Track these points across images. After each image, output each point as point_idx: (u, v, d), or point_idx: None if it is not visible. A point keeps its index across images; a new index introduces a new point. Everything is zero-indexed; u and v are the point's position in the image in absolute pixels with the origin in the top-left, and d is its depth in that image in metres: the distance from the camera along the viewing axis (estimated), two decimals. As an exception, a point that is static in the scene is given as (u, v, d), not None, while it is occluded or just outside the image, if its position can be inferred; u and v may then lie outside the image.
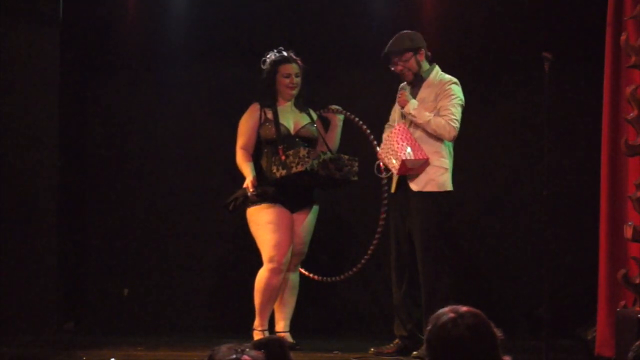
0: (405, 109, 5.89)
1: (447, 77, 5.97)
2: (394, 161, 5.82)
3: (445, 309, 2.55)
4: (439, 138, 5.84)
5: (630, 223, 5.53)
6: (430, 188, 5.83)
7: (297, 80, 6.15)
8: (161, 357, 5.93)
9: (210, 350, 2.56)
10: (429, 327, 2.55)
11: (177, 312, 7.32)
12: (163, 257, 7.34)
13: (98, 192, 7.38)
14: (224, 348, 2.53)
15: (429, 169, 5.83)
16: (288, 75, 6.14)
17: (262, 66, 6.16)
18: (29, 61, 6.83)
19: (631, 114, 5.53)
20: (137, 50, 7.41)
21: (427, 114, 5.83)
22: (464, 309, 2.53)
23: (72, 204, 7.22)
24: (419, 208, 5.83)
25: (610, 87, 5.92)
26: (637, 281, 5.47)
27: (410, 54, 5.93)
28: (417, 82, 5.97)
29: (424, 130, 5.84)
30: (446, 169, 5.88)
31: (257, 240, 6.07)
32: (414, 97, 5.94)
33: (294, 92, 6.16)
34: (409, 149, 5.79)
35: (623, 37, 5.59)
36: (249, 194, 5.97)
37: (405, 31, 6.02)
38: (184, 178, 7.34)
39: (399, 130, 5.88)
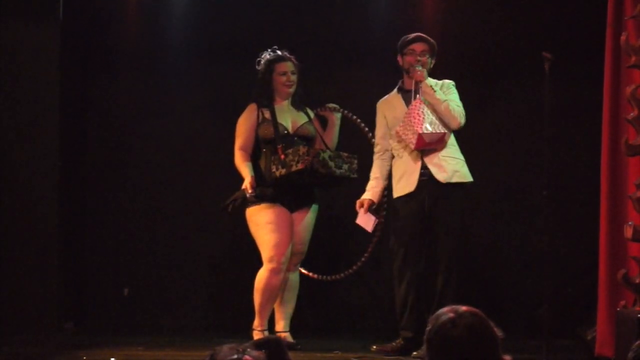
0: (427, 82, 5.90)
1: (447, 80, 6.04)
2: (410, 135, 5.82)
3: (445, 309, 2.55)
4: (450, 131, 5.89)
5: (630, 223, 5.52)
6: (457, 179, 5.89)
7: (293, 77, 6.15)
8: (161, 357, 5.93)
9: (211, 350, 2.56)
10: (428, 327, 2.55)
11: (177, 312, 7.32)
12: (163, 257, 7.34)
13: (98, 192, 7.38)
14: (225, 348, 2.53)
15: (450, 160, 5.88)
16: (284, 73, 6.14)
17: (257, 67, 6.17)
18: (29, 61, 6.82)
19: (631, 114, 5.53)
20: (137, 50, 7.41)
21: (443, 95, 5.88)
22: (463, 308, 2.53)
23: (72, 203, 7.21)
24: (450, 199, 5.87)
25: (610, 87, 5.91)
26: (637, 281, 5.47)
27: (432, 53, 6.00)
28: (417, 86, 5.98)
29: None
30: (464, 160, 5.97)
31: (256, 240, 6.07)
32: (408, 102, 5.95)
33: (291, 90, 6.16)
34: (427, 123, 5.80)
35: (623, 37, 5.59)
36: (247, 195, 5.96)
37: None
38: (183, 178, 7.34)
39: (416, 105, 5.87)
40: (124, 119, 7.41)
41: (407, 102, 5.97)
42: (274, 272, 5.98)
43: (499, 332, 2.53)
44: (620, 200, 5.85)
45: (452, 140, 5.95)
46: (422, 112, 5.83)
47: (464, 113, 5.93)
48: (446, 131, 5.87)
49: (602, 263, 5.92)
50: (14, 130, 6.81)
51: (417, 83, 5.92)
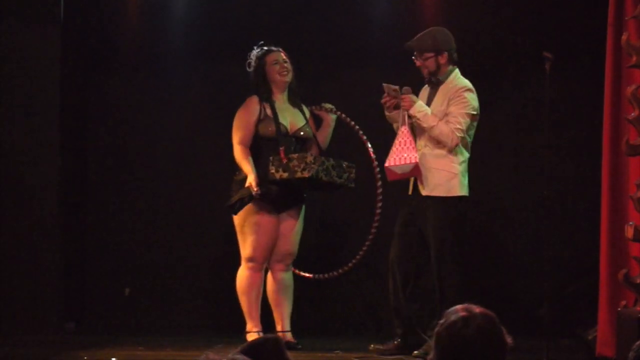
0: (411, 112, 5.80)
1: (463, 82, 5.89)
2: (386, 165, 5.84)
3: (459, 307, 2.50)
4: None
5: (631, 223, 5.52)
6: (437, 192, 5.80)
7: (287, 65, 6.07)
8: (162, 357, 5.93)
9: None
10: (440, 321, 2.51)
11: (177, 312, 7.32)
12: (164, 257, 7.34)
13: (98, 192, 7.38)
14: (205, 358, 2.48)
15: (435, 173, 5.79)
16: (276, 62, 6.06)
17: (247, 68, 6.12)
18: (30, 61, 6.82)
19: (632, 114, 5.52)
20: (137, 50, 7.41)
21: (433, 119, 5.77)
22: (477, 309, 2.50)
23: (73, 203, 7.21)
24: (428, 212, 5.81)
25: (611, 87, 5.91)
26: (638, 281, 5.46)
27: (432, 54, 5.86)
28: (434, 84, 5.92)
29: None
30: (455, 173, 5.80)
31: (238, 237, 6.01)
32: (430, 99, 5.90)
33: (287, 78, 6.07)
34: (401, 155, 5.77)
35: (624, 37, 5.58)
36: (253, 193, 5.88)
37: (437, 28, 5.97)
38: (184, 178, 7.34)
39: (400, 134, 5.82)
40: (124, 119, 7.41)
41: (430, 97, 5.89)
42: (254, 270, 5.97)
43: (509, 339, 2.50)
44: (621, 200, 5.84)
45: (447, 152, 5.80)
46: (404, 141, 5.76)
47: (459, 133, 5.74)
48: (416, 162, 5.72)
49: (602, 263, 5.91)
50: (15, 130, 6.81)
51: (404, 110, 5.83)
